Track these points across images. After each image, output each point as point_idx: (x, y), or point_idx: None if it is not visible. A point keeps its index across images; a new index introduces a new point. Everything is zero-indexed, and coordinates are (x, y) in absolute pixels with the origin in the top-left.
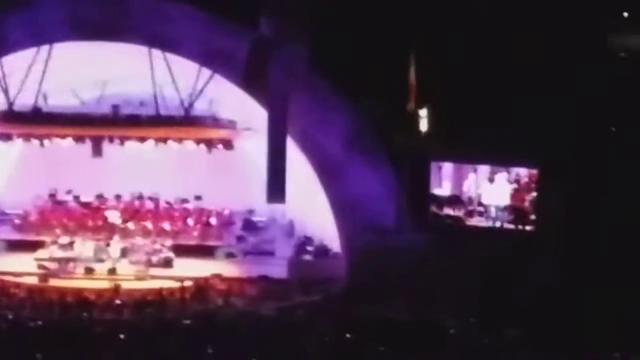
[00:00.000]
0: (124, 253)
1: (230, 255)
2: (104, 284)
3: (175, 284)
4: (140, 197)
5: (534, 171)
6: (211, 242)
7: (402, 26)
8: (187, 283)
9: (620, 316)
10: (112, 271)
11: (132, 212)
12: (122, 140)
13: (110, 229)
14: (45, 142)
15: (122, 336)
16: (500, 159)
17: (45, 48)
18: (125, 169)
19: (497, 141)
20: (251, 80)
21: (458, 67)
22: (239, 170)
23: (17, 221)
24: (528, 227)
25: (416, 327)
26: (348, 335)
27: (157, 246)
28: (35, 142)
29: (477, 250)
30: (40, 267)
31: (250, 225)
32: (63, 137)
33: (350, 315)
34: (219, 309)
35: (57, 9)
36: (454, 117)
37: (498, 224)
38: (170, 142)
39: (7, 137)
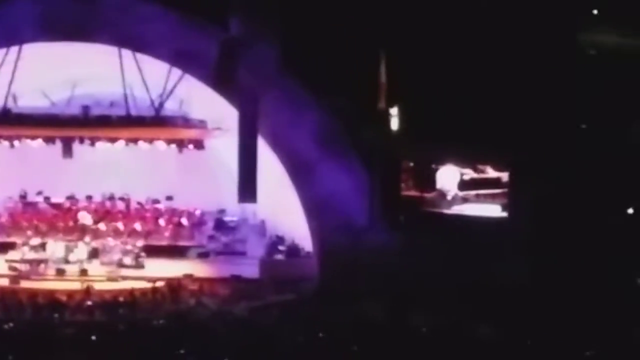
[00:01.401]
0: (95, 254)
1: (202, 255)
2: (76, 285)
3: (147, 285)
4: (112, 198)
5: None
6: (183, 243)
7: (372, 24)
8: (159, 283)
9: (590, 314)
10: (83, 272)
11: (103, 213)
12: (93, 141)
13: (81, 230)
14: (15, 143)
15: (93, 337)
16: (471, 159)
17: (14, 49)
18: (96, 170)
19: (467, 140)
20: (221, 80)
21: (428, 66)
22: (210, 170)
23: None
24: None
25: (388, 327)
26: (321, 335)
27: (129, 247)
28: (5, 143)
29: (449, 247)
30: (11, 268)
31: (221, 225)
32: (33, 138)
33: (323, 315)
34: (191, 309)
35: (27, 8)
36: (424, 116)
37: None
38: (140, 142)
39: None
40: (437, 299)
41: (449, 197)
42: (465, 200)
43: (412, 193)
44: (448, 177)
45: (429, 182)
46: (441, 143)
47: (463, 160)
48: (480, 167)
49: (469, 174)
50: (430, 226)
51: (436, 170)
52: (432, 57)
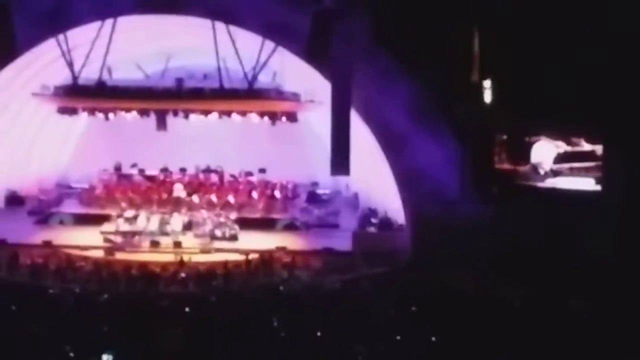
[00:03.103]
0: (189, 226)
1: (288, 227)
2: (169, 257)
3: (240, 257)
4: (205, 171)
5: None
6: (275, 215)
7: None
8: (252, 256)
9: None
10: (177, 244)
11: (197, 185)
12: (187, 113)
13: (175, 203)
14: (110, 115)
15: (187, 309)
16: (565, 132)
17: (109, 21)
18: (190, 142)
19: (561, 113)
20: (314, 52)
21: (522, 37)
22: (302, 143)
23: (83, 195)
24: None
25: (480, 299)
26: (413, 308)
27: (222, 219)
28: (100, 115)
29: (542, 220)
30: (106, 240)
31: (314, 198)
32: (128, 110)
33: (415, 287)
34: (283, 281)
35: None
36: (517, 89)
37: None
38: (234, 115)
39: (72, 111)
40: (529, 271)
41: (542, 171)
42: (558, 173)
43: (505, 166)
44: (542, 150)
45: (522, 155)
46: (535, 116)
47: (557, 133)
48: (574, 140)
49: (563, 147)
50: (523, 199)
51: (529, 143)
52: (525, 28)
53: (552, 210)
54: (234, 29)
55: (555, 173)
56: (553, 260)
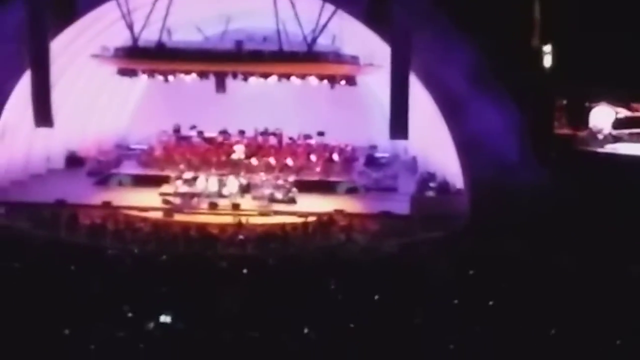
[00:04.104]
0: (247, 188)
1: (350, 191)
2: (228, 219)
3: (298, 220)
4: (264, 133)
5: None
6: (334, 178)
7: None
8: (310, 219)
9: None
10: (235, 206)
11: (256, 148)
12: (246, 76)
13: (233, 165)
14: (170, 77)
15: (245, 271)
16: (625, 97)
17: None
18: (249, 105)
19: (621, 79)
20: (374, 16)
21: (583, 2)
22: (361, 106)
23: (142, 156)
24: None
25: (538, 264)
26: (470, 272)
27: (280, 182)
28: (160, 77)
29: (601, 185)
30: (165, 202)
31: (373, 161)
32: (187, 72)
33: (473, 251)
34: (341, 244)
35: None
36: (578, 54)
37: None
38: (293, 78)
39: (132, 73)
40: (587, 237)
41: (601, 136)
42: (617, 139)
43: (565, 131)
44: (601, 115)
45: (581, 120)
46: (595, 81)
47: (617, 98)
48: (634, 105)
49: (623, 112)
50: (582, 164)
51: (589, 108)
52: None
53: (612, 175)
54: None
55: (615, 138)
56: (611, 226)
